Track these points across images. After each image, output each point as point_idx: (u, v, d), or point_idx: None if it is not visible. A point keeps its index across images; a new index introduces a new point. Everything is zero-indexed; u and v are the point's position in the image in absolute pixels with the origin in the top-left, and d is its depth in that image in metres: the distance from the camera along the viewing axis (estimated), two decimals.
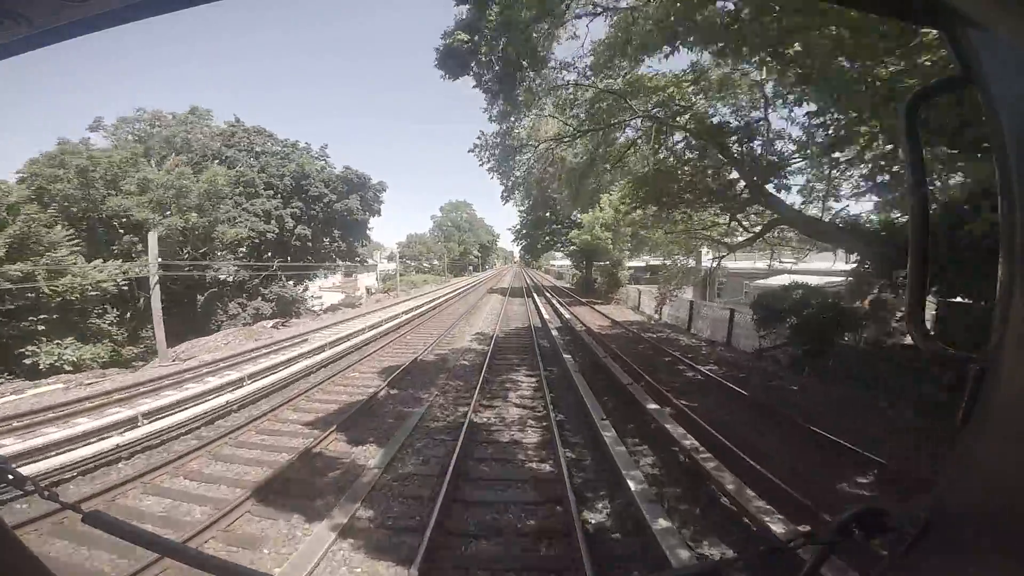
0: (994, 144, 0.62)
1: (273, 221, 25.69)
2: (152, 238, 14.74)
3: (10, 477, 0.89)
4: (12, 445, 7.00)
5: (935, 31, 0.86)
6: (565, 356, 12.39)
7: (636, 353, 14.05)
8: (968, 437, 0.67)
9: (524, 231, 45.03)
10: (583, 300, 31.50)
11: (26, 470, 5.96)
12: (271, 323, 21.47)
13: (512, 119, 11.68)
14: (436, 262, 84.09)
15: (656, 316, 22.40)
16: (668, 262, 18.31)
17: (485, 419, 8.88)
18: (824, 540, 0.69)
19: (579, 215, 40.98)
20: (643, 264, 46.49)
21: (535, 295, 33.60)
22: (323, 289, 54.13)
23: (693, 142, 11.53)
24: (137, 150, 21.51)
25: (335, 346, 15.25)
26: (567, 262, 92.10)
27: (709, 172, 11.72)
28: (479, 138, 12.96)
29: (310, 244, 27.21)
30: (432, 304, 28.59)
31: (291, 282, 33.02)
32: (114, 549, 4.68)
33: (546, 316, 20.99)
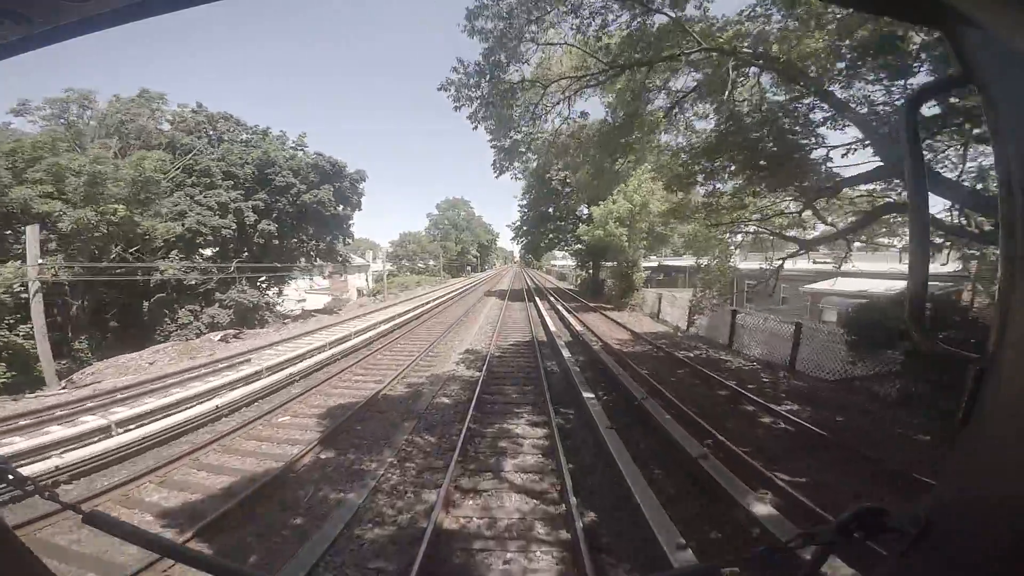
0: (994, 144, 0.62)
1: (231, 215, 22.05)
2: (31, 233, 11.24)
3: (10, 477, 0.88)
4: None
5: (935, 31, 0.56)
6: (586, 394, 8.80)
7: (679, 383, 10.48)
8: (968, 437, 0.67)
9: (524, 228, 41.29)
10: (591, 305, 27.91)
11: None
12: (219, 335, 17.92)
13: (512, 43, 8.02)
14: (432, 262, 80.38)
15: (682, 327, 18.82)
16: (704, 261, 14.72)
17: (463, 522, 5.33)
18: (824, 540, 0.69)
19: (586, 209, 37.48)
20: (655, 264, 43.01)
21: (537, 299, 30.08)
22: (308, 291, 50.66)
23: (776, 96, 8.03)
24: (57, 134, 17.95)
25: (279, 371, 11.71)
26: (568, 262, 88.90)
27: (798, 136, 8.14)
28: (455, 69, 9.16)
29: (276, 241, 23.54)
30: (421, 310, 25.14)
31: (263, 283, 29.45)
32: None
33: (552, 326, 17.42)
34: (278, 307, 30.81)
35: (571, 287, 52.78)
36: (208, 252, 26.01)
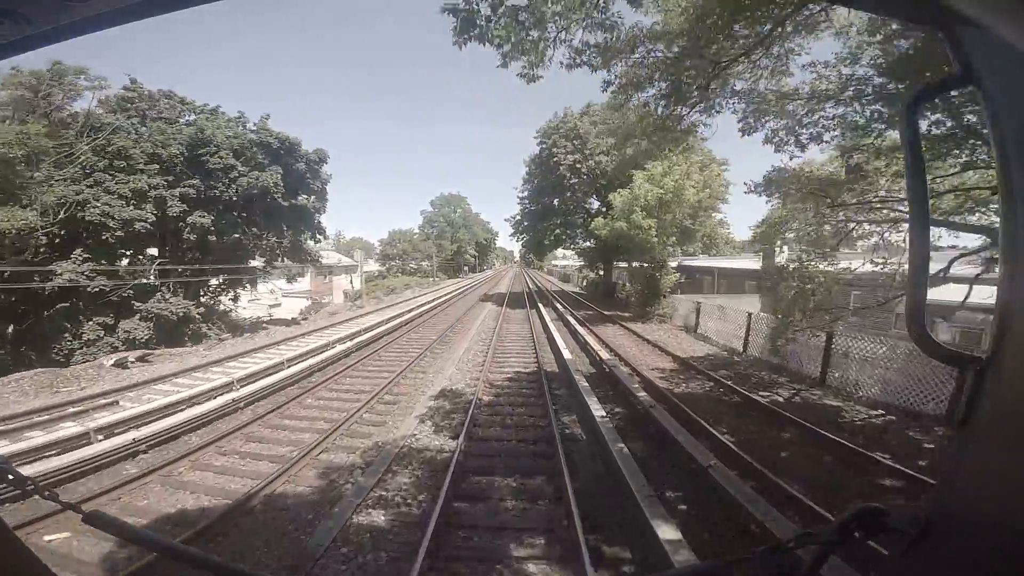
0: (994, 144, 0.63)
1: (150, 205, 17.67)
2: None
3: (10, 477, 0.87)
4: None
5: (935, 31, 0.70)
6: (655, 522, 4.40)
7: (801, 464, 6.16)
8: (967, 437, 0.68)
9: (525, 223, 36.78)
10: (606, 314, 23.60)
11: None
12: (112, 359, 13.56)
13: None
14: (425, 263, 75.84)
15: (734, 346, 14.51)
16: (790, 261, 10.30)
17: None
18: (824, 540, 0.69)
19: (596, 201, 33.12)
20: (674, 264, 38.49)
21: (540, 305, 25.75)
22: (285, 295, 46.31)
23: None
24: None
25: (128, 430, 7.43)
26: (570, 262, 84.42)
27: None
28: None
29: (212, 238, 19.10)
30: (400, 320, 20.94)
31: (220, 287, 25.11)
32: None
33: (563, 347, 13.12)
34: (233, 314, 26.53)
35: (576, 290, 48.40)
36: (151, 252, 21.75)
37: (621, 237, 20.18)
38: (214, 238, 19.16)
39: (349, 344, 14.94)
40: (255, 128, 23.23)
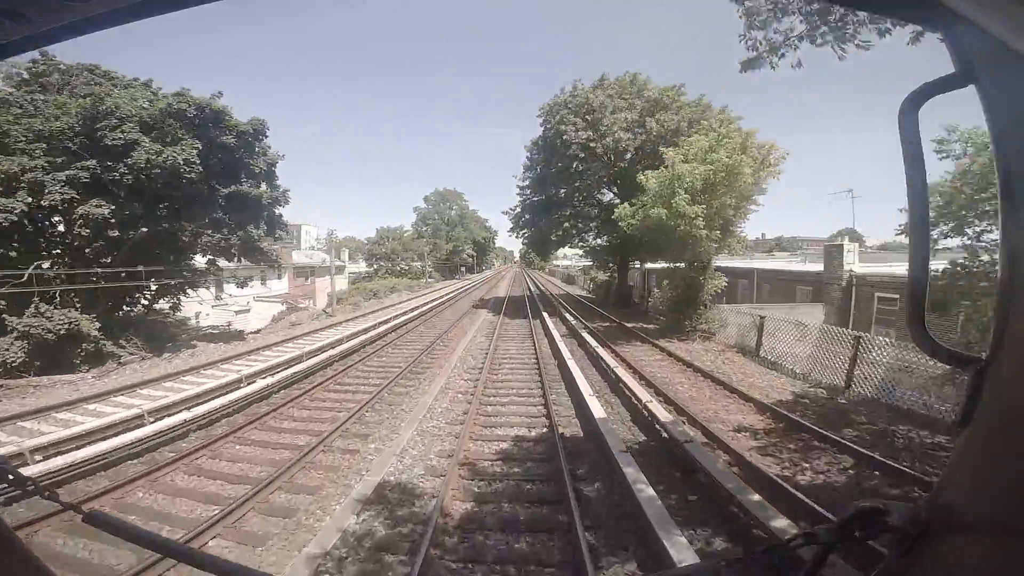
0: (994, 144, 0.63)
1: (22, 192, 13.73)
2: None
3: (10, 477, 0.88)
4: None
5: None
6: None
7: None
8: (968, 437, 0.68)
9: (526, 216, 32.59)
10: (627, 325, 19.66)
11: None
12: None
13: None
14: (418, 263, 71.83)
15: (829, 380, 10.55)
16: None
17: None
18: (824, 540, 0.70)
19: (609, 191, 29.13)
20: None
21: (545, 315, 21.90)
22: (260, 299, 42.37)
23: None
24: None
25: None
26: (571, 263, 79.97)
27: None
28: None
29: (114, 232, 14.99)
30: (368, 337, 17.22)
31: (157, 293, 21.16)
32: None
33: (584, 386, 9.23)
34: (192, 323, 22.72)
35: (583, 293, 44.40)
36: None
37: (655, 229, 16.13)
38: (115, 233, 15.21)
39: (290, 371, 11.06)
40: (203, 104, 18.91)
